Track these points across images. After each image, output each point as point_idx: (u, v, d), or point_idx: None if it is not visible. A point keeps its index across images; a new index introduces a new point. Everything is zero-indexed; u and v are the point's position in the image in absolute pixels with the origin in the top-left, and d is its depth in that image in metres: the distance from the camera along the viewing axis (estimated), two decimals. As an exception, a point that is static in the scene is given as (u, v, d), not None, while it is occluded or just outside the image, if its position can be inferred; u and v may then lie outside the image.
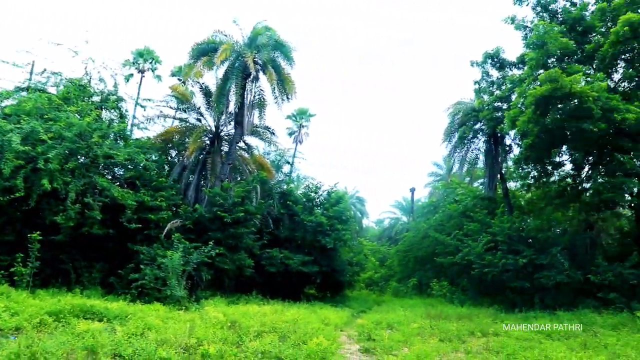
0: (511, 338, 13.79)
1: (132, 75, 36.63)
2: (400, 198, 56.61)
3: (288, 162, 37.54)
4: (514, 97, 25.50)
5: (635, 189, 23.70)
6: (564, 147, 25.46)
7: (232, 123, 27.39)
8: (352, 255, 29.22)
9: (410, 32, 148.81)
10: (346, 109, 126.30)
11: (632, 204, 25.55)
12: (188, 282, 19.04)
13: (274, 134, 29.68)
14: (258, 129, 28.82)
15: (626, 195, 24.34)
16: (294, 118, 50.78)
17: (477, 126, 29.61)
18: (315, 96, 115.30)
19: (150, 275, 18.22)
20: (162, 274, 18.22)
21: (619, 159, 21.76)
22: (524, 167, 26.96)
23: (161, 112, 27.95)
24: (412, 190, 49.56)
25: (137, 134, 27.18)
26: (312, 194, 29.02)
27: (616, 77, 24.78)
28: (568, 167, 26.95)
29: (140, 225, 19.98)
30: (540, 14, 26.52)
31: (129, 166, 22.09)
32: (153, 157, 24.74)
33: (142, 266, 18.70)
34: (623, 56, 23.41)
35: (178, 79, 32.45)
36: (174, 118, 28.52)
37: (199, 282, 20.74)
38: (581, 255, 24.50)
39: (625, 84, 24.57)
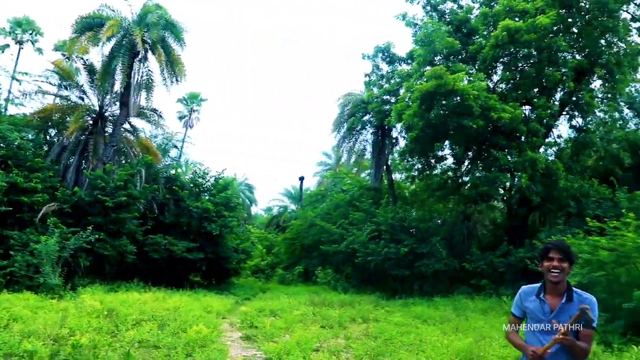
0: (390, 324, 14.27)
1: (8, 46, 34.16)
2: (289, 186, 56.91)
3: (176, 147, 36.60)
4: (401, 91, 26.33)
5: (508, 184, 25.36)
6: (447, 142, 26.68)
7: (118, 103, 26.13)
8: (239, 242, 28.90)
9: (312, 23, 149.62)
10: (241, 97, 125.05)
11: (505, 198, 27.34)
12: (64, 269, 18.00)
13: (161, 116, 28.72)
14: (145, 111, 27.76)
15: (500, 189, 26.02)
16: (185, 102, 49.64)
17: (366, 118, 30.30)
18: (209, 81, 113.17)
19: (21, 262, 17.06)
20: (34, 260, 17.11)
21: (495, 155, 23.14)
22: (409, 159, 27.97)
23: (40, 87, 26.20)
24: (301, 178, 49.95)
25: (11, 110, 25.37)
26: (200, 180, 28.44)
27: (495, 78, 26.30)
28: (450, 161, 28.33)
29: (11, 209, 18.64)
30: (430, 13, 27.58)
31: (1, 144, 20.54)
32: (29, 135, 23.18)
33: (12, 252, 17.47)
34: (502, 59, 24.86)
35: (62, 54, 30.57)
36: (55, 95, 26.78)
37: (77, 269, 19.69)
38: (458, 245, 25.87)
39: (503, 85, 26.17)
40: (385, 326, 13.56)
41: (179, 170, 33.50)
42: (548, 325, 3.71)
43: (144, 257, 23.42)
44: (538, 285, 3.92)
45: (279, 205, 57.30)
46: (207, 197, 27.14)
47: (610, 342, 11.76)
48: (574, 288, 3.78)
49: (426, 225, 26.31)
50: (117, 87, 25.39)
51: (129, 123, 27.58)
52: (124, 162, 26.99)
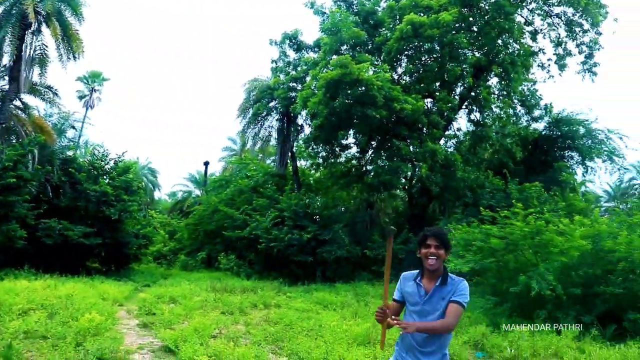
0: (291, 309, 14.39)
1: None
2: (194, 171, 55.89)
3: (73, 127, 34.74)
4: (308, 78, 26.49)
5: (409, 173, 26.19)
6: (351, 131, 27.11)
7: (7, 78, 24.49)
8: (140, 227, 27.97)
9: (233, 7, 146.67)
10: (151, 79, 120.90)
11: (406, 187, 28.24)
12: (-58, 255, 16.75)
13: (57, 94, 27.17)
14: (38, 88, 26.19)
15: (402, 178, 26.83)
16: (85, 80, 47.31)
17: (272, 104, 30.15)
18: (117, 61, 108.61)
19: None
20: None
21: (397, 145, 23.83)
22: (314, 147, 28.17)
23: None
24: (206, 164, 49.01)
25: None
26: (99, 162, 27.18)
27: (399, 70, 26.99)
28: (354, 149, 28.82)
29: None
30: (338, 2, 27.83)
31: None
32: None
33: None
34: (406, 52, 25.56)
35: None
36: None
37: (-44, 256, 18.37)
38: (360, 232, 26.47)
39: (407, 77, 26.94)
40: (286, 312, 13.65)
41: (77, 152, 31.96)
42: (423, 308, 3.95)
43: (35, 242, 22.19)
44: (417, 271, 4.08)
45: (183, 190, 56.24)
46: (106, 181, 26.04)
47: (498, 324, 12.55)
48: (449, 274, 3.99)
49: (329, 213, 26.68)
50: (6, 60, 23.74)
51: (20, 100, 25.94)
52: (13, 141, 25.37)
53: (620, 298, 12.88)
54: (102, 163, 27.28)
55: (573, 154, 29.25)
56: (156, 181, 57.52)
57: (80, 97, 47.63)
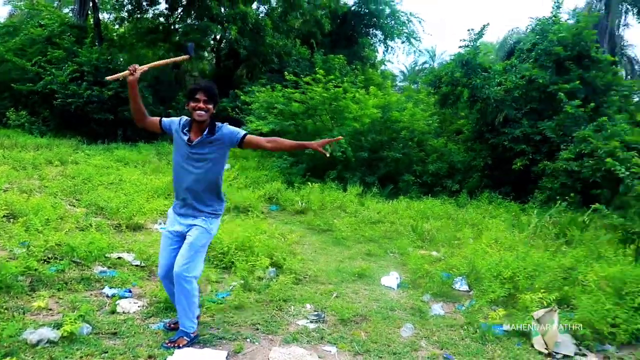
0: (90, 165, 14.04)
1: None
2: (-27, 14, 48.88)
3: None
4: None
5: (219, 35, 25.79)
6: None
7: None
8: None
9: None
10: None
11: (214, 49, 27.91)
12: None
13: None
14: None
15: (210, 40, 26.37)
16: None
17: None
18: None
19: None
20: None
21: (208, 4, 23.20)
22: (119, -1, 26.22)
23: None
24: (-10, 7, 43.19)
25: None
26: None
27: None
28: (163, 5, 27.31)
29: None
30: None
31: None
32: None
33: None
34: None
35: None
36: None
37: None
38: (165, 92, 25.82)
39: None
40: (84, 168, 13.34)
41: None
42: (190, 152, 4.17)
43: None
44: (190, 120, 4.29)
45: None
46: None
47: (292, 182, 13.71)
48: (217, 123, 4.23)
49: (134, 69, 25.45)
50: None
51: None
52: None
53: (398, 162, 14.96)
54: None
55: (377, 32, 30.81)
56: None
57: None
